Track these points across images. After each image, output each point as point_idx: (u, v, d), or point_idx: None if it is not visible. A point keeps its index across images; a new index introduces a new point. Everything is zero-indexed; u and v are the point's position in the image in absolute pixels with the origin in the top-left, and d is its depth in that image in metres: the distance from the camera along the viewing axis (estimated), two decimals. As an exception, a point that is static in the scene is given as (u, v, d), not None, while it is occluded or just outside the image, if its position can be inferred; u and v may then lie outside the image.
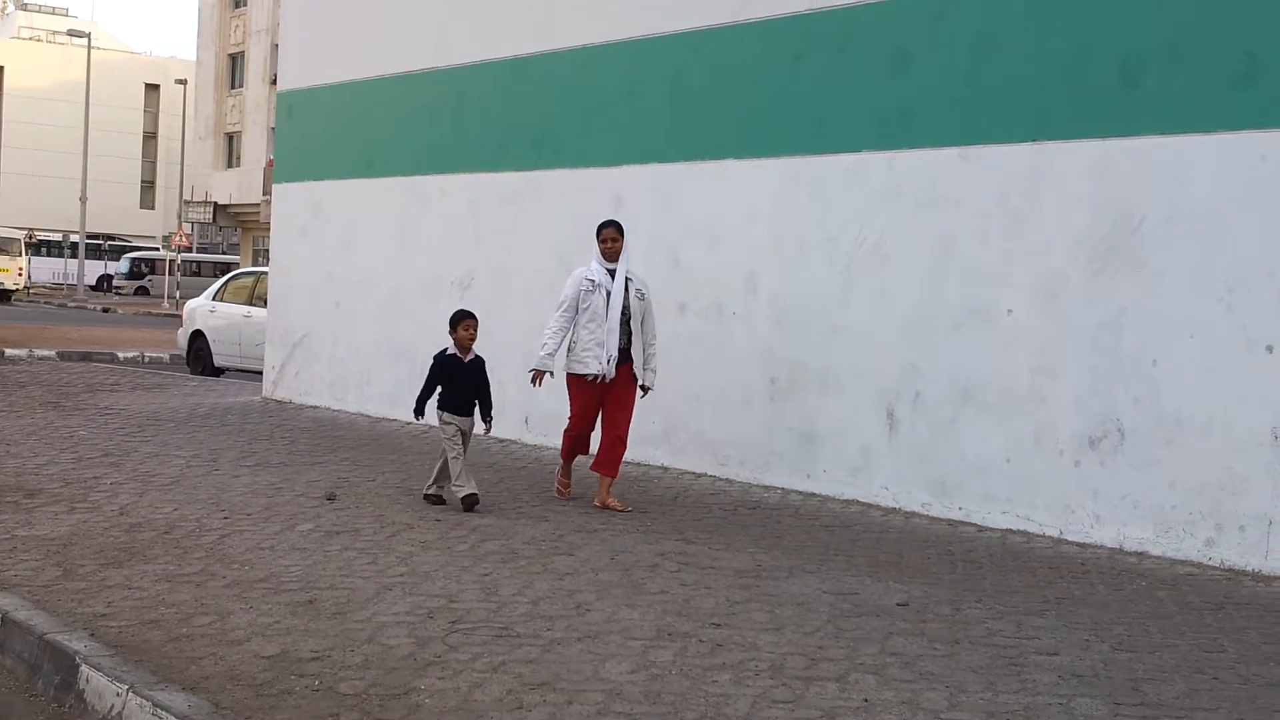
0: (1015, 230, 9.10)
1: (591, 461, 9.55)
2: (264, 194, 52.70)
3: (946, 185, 9.50)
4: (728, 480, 10.65)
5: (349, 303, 14.64)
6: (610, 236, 9.41)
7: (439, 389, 9.36)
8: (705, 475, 10.84)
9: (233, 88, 61.84)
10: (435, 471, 9.38)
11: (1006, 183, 9.15)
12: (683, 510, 9.45)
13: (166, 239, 60.11)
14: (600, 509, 9.25)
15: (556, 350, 9.36)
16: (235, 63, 61.57)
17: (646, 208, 11.46)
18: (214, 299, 20.64)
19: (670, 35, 11.36)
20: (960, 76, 9.44)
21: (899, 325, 9.73)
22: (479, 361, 9.42)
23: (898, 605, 6.90)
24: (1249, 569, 7.89)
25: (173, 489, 9.45)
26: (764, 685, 5.48)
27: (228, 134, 62.47)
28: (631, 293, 9.39)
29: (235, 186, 59.76)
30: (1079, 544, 8.56)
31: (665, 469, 11.10)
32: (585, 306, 9.29)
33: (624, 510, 9.23)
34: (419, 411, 9.34)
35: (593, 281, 9.33)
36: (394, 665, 5.63)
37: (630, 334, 9.37)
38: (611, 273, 9.36)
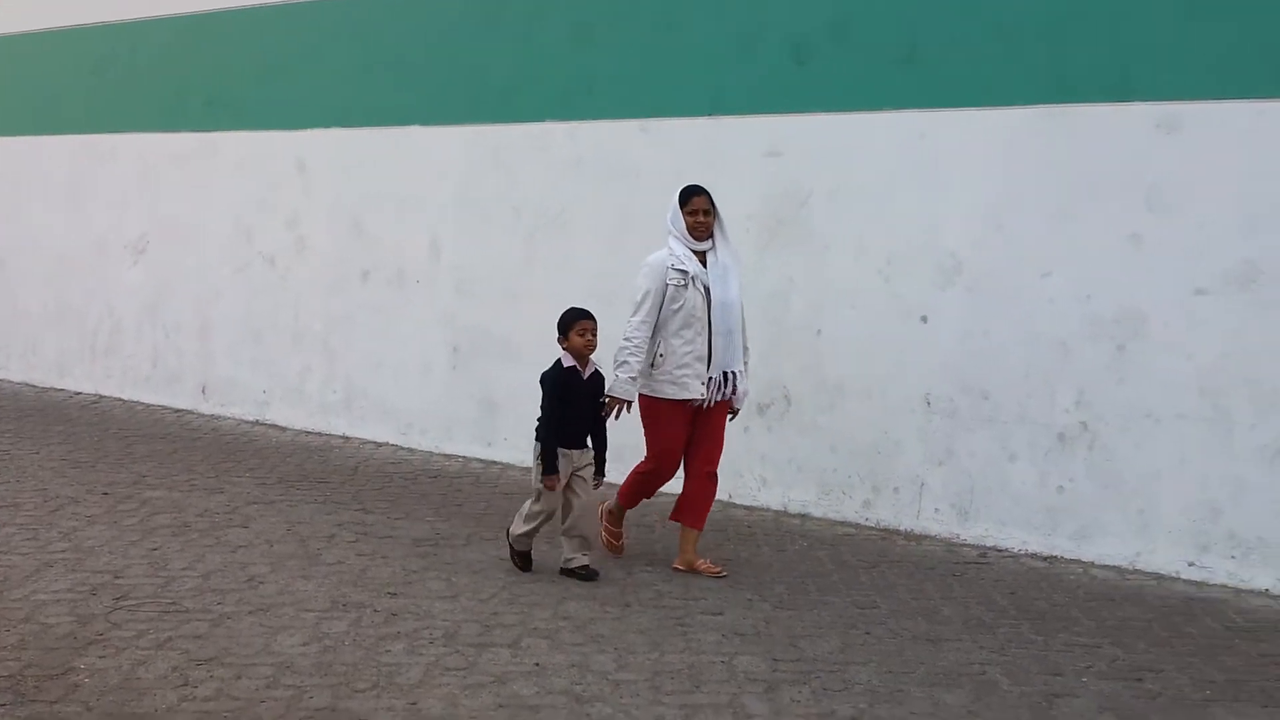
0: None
1: (674, 510, 7.30)
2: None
3: (627, 157, 9.68)
4: (409, 449, 10.61)
5: (15, 265, 13.90)
6: (701, 208, 7.09)
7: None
8: (387, 444, 10.78)
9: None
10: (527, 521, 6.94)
11: (683, 155, 9.38)
12: (363, 480, 9.37)
13: None
14: (684, 573, 7.12)
15: (641, 369, 6.98)
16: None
17: (329, 173, 11.28)
18: None
19: (353, -2, 11.20)
20: (640, 51, 9.62)
21: (581, 293, 9.86)
22: (600, 379, 7.01)
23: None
24: (902, 529, 8.36)
25: None
26: (437, 653, 5.52)
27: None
28: (735, 285, 7.13)
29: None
30: (746, 507, 8.88)
31: (346, 438, 10.98)
32: (676, 307, 6.96)
33: (719, 574, 7.08)
34: (551, 455, 6.77)
35: (684, 273, 7.00)
36: (52, 645, 5.44)
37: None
38: (703, 257, 7.11)
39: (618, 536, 7.48)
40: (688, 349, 6.94)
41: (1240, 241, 7.25)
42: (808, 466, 8.70)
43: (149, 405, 12.38)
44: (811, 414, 8.71)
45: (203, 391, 11.94)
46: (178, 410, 12.02)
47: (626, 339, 6.98)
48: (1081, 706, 5.22)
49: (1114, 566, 7.57)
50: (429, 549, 7.36)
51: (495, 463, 10.14)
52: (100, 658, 5.30)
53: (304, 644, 5.56)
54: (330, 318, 11.19)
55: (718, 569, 7.10)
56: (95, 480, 8.80)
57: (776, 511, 8.77)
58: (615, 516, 7.48)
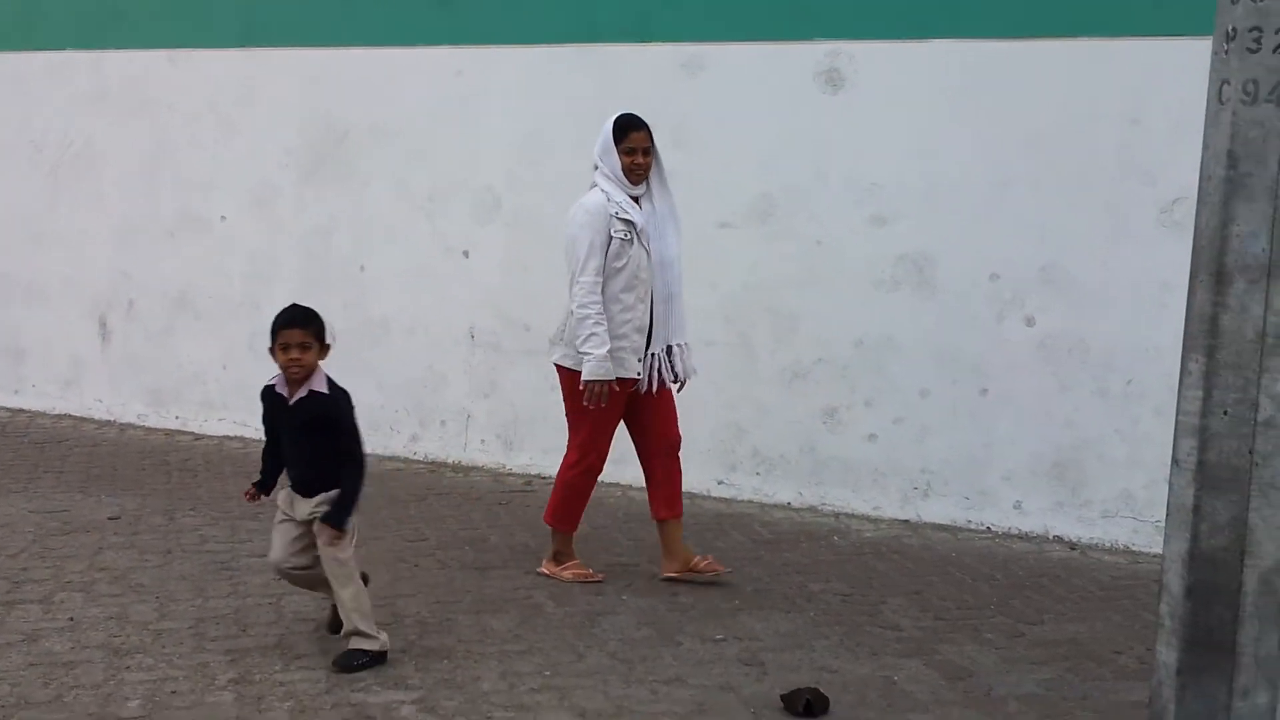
0: (229, 137, 9.07)
1: (651, 508, 6.12)
2: None
3: (156, 89, 9.27)
4: (-76, 400, 9.88)
5: None
6: (641, 145, 5.81)
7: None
8: (-104, 396, 9.99)
9: None
10: None
11: (217, 88, 9.08)
12: None
13: None
14: (681, 580, 6.05)
15: (604, 336, 5.71)
16: None
17: None
18: None
19: None
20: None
21: (111, 233, 9.42)
22: (325, 404, 4.94)
23: (109, 519, 6.78)
24: (450, 460, 8.49)
25: None
26: (-41, 615, 5.22)
27: None
28: (675, 240, 5.98)
29: None
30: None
31: None
32: (619, 265, 5.75)
33: (725, 573, 6.14)
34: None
35: (629, 223, 5.77)
36: None
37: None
38: (638, 202, 5.88)
39: (582, 568, 6.12)
40: (626, 316, 5.76)
41: (758, 177, 7.72)
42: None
43: None
44: (358, 351, 8.67)
45: None
46: None
47: (581, 305, 5.69)
48: (622, 623, 5.49)
49: (650, 488, 7.96)
50: (-52, 506, 6.91)
51: (24, 410, 9.60)
52: None
53: None
54: None
55: (722, 566, 6.13)
56: None
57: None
58: (563, 555, 6.11)
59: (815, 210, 7.61)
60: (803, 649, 5.23)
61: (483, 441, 8.42)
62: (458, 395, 8.49)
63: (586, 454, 5.96)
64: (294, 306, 5.02)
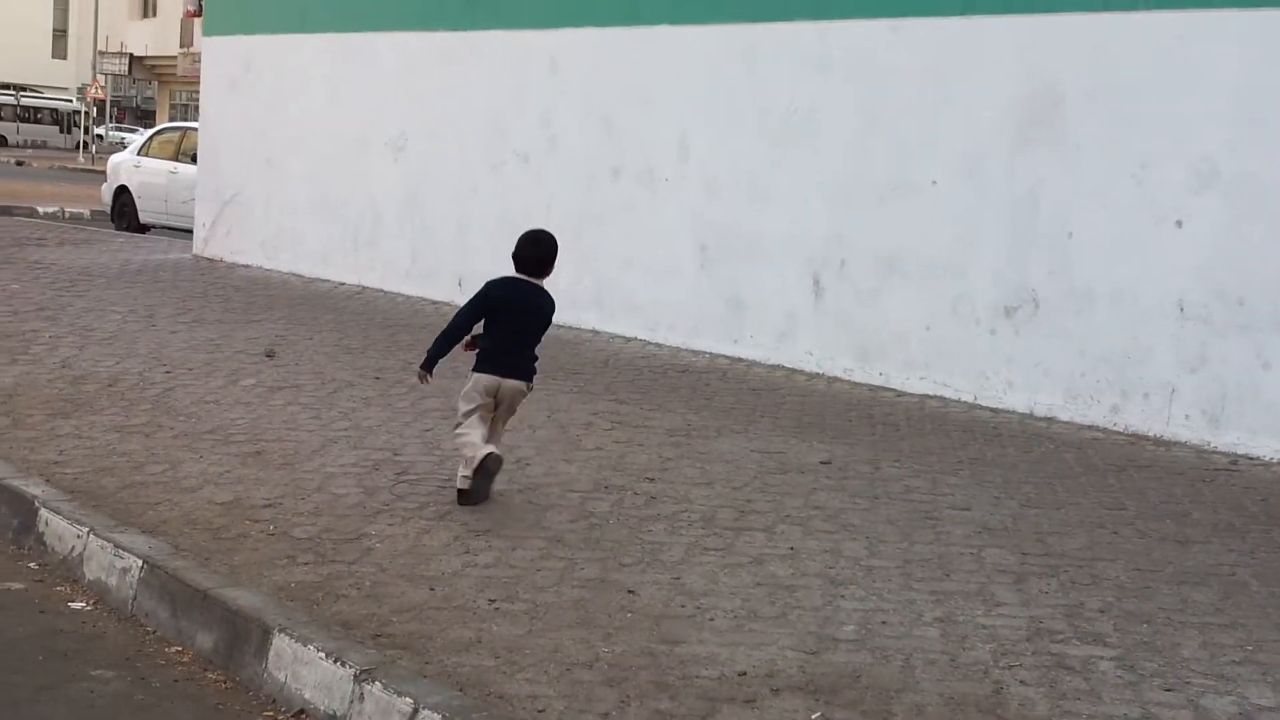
0: (942, 104, 9.35)
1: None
2: (182, 46, 51.55)
3: (877, 57, 9.71)
4: (657, 344, 10.95)
5: (281, 160, 14.65)
6: None
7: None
8: (635, 339, 11.13)
9: (149, -66, 60.14)
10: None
11: (935, 55, 9.38)
12: (614, 373, 9.74)
13: (80, 91, 58.67)
14: None
15: None
16: (152, -93, 59.81)
17: (581, 71, 11.59)
18: (139, 154, 20.44)
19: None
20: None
21: (826, 195, 10.00)
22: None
23: (821, 464, 7.26)
24: (1151, 434, 8.33)
25: (112, 343, 9.60)
26: (696, 534, 5.82)
27: (143, -18, 60.91)
28: None
29: (151, 37, 58.24)
30: (992, 409, 8.97)
31: (596, 332, 11.37)
32: None
33: None
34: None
35: None
36: (344, 512, 5.91)
37: None
38: None
39: None
40: None
41: None
42: (1055, 370, 8.72)
43: (409, 296, 12.99)
44: (1060, 318, 8.70)
45: (459, 284, 12.45)
46: (435, 302, 12.58)
47: None
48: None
49: (1371, 478, 7.47)
50: (681, 439, 7.67)
51: (741, 359, 10.42)
52: (389, 525, 5.75)
53: (572, 521, 5.93)
54: (581, 215, 11.51)
55: None
56: (366, 365, 9.36)
57: (1022, 414, 8.84)
58: None
59: None
60: None
61: (1187, 417, 8.20)
62: (1163, 368, 8.31)
63: None
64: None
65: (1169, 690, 4.33)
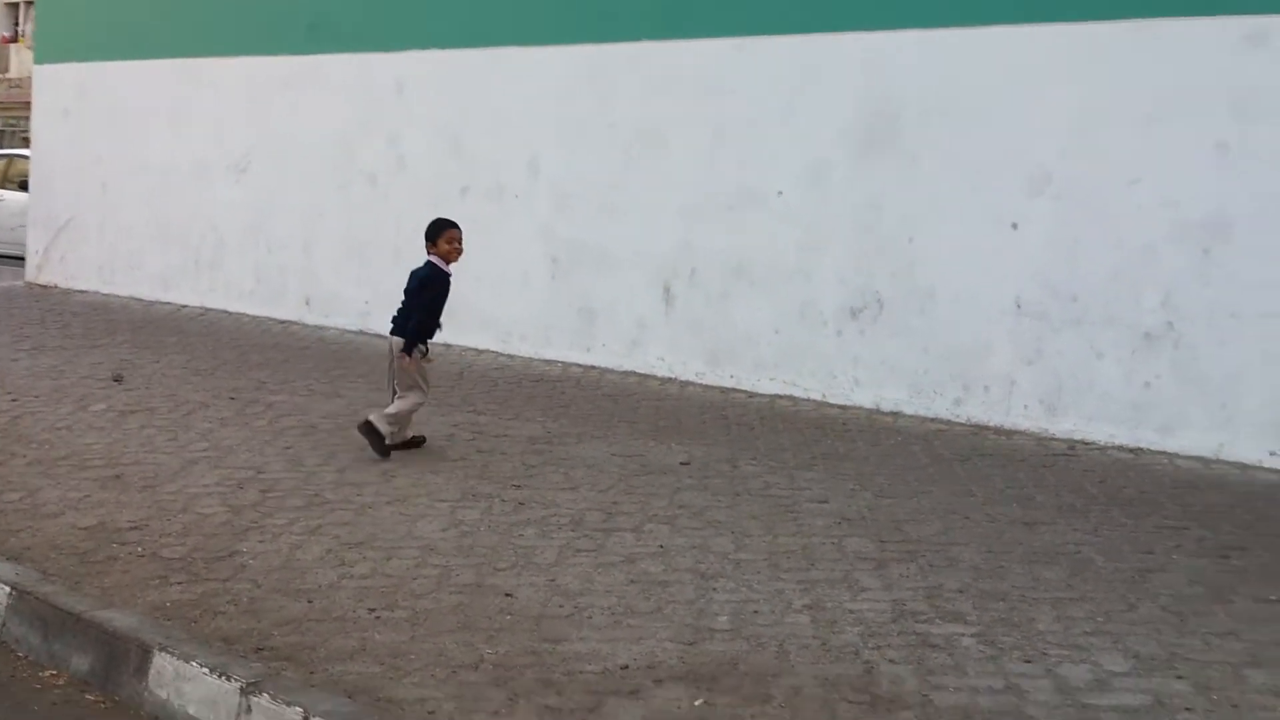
0: (787, 118, 9.61)
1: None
2: (1, 71, 50.05)
3: (723, 74, 9.93)
4: (509, 356, 11.04)
5: (118, 185, 14.40)
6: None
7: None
8: (488, 351, 11.20)
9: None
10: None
11: (779, 72, 9.63)
12: (469, 385, 9.80)
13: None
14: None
15: None
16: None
17: (427, 93, 11.63)
18: (-39, 182, 19.87)
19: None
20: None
21: (676, 207, 10.19)
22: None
23: (681, 464, 7.43)
24: (992, 424, 8.68)
25: (-47, 373, 9.38)
26: (567, 537, 5.93)
27: (-44, 6, 58.86)
28: None
29: (-35, 63, 56.37)
30: (840, 406, 9.25)
31: (448, 346, 11.39)
32: None
33: None
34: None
35: None
36: (213, 531, 5.89)
37: None
38: None
39: None
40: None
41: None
42: (900, 367, 9.02)
43: (254, 316, 12.87)
44: (904, 317, 9.01)
45: (307, 303, 12.39)
46: (282, 321, 12.49)
47: None
48: (1172, 580, 5.56)
49: (1198, 457, 7.88)
50: (543, 446, 7.78)
51: (594, 367, 10.56)
52: (260, 542, 5.75)
53: (444, 529, 5.99)
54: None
55: None
56: (219, 386, 9.28)
57: (869, 410, 9.13)
58: None
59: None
60: (1371, 620, 5.13)
61: (1026, 407, 8.56)
62: (1002, 362, 8.66)
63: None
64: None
65: (1028, 662, 4.56)
